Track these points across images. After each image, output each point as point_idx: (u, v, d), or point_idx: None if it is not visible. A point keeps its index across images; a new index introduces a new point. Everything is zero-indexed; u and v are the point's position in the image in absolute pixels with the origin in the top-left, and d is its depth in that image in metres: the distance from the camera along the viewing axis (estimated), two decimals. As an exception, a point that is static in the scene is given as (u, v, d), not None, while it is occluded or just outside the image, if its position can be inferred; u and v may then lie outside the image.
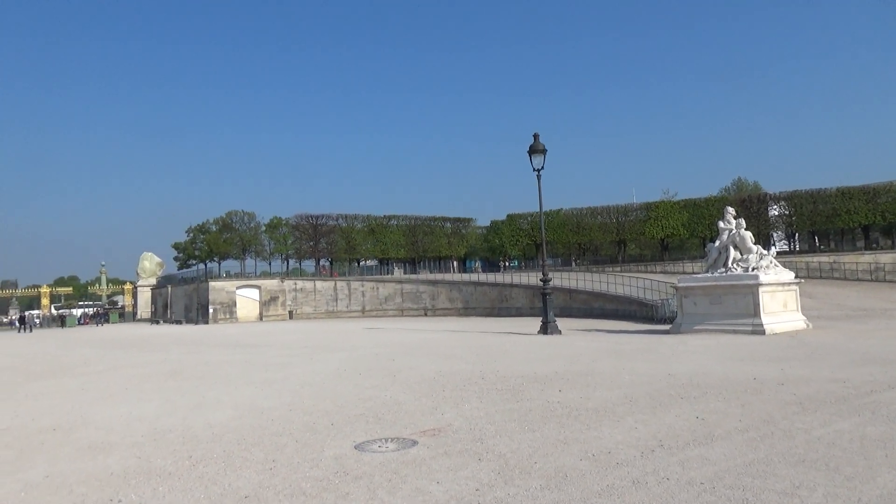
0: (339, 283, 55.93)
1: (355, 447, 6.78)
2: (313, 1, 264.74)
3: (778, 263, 20.77)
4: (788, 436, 6.49)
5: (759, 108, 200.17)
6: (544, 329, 22.17)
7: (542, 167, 22.90)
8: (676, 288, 21.94)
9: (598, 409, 8.23)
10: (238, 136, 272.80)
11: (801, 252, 55.50)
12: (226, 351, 21.84)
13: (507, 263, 67.35)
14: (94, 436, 8.15)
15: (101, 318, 73.55)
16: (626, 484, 5.17)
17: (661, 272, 48.46)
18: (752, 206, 55.08)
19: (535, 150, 22.82)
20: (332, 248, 62.33)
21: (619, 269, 51.58)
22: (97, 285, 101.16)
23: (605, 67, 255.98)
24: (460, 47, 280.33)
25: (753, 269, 19.66)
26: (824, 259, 48.60)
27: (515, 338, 21.43)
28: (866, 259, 47.57)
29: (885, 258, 46.83)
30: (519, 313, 42.01)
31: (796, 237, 59.73)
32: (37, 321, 71.38)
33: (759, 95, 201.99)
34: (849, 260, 47.62)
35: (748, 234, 20.83)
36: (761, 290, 18.84)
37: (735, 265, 20.25)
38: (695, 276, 22.83)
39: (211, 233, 63.26)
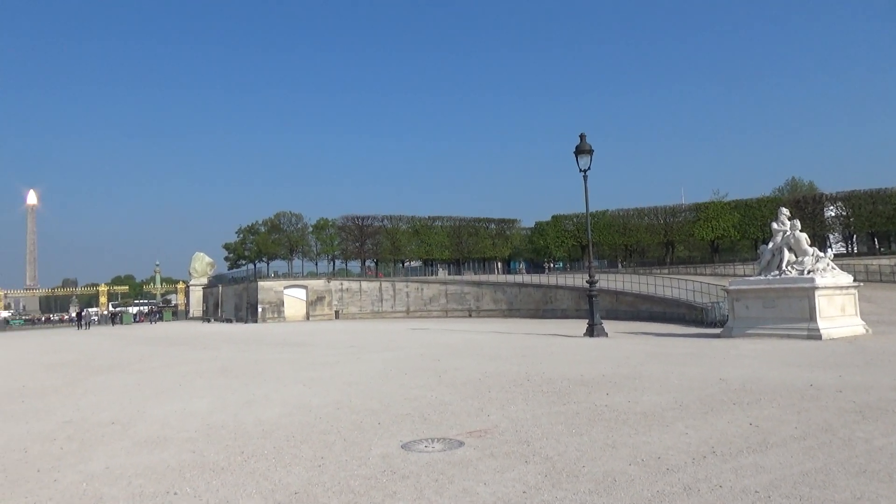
0: (384, 284, 56.36)
1: (402, 447, 6.82)
2: (369, 3, 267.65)
3: (835, 266, 20.04)
4: (848, 445, 6.26)
5: (812, 106, 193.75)
6: (590, 331, 21.91)
7: (589, 168, 22.64)
8: (727, 291, 21.39)
9: (647, 413, 8.09)
10: (287, 139, 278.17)
11: (859, 254, 53.34)
12: (274, 349, 22.28)
13: (551, 265, 66.79)
14: (151, 430, 8.42)
15: (154, 316, 75.91)
16: (677, 490, 5.07)
17: (710, 274, 47.28)
18: (807, 207, 53.29)
19: (582, 150, 22.57)
20: (378, 248, 62.89)
21: (666, 271, 50.57)
22: (152, 284, 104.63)
23: (653, 67, 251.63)
24: (507, 48, 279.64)
25: (809, 272, 19.02)
26: (885, 262, 46.57)
27: (561, 340, 21.24)
28: (930, 262, 45.44)
29: (951, 261, 44.65)
30: (564, 315, 41.59)
31: (854, 239, 57.48)
32: (94, 318, 74.12)
33: (813, 94, 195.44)
34: (911, 263, 45.56)
35: (803, 236, 20.17)
36: (817, 293, 18.22)
37: (790, 268, 19.62)
38: (747, 278, 22.21)
39: (260, 233, 64.60)
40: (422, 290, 54.72)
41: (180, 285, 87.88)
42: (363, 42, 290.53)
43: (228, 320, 62.14)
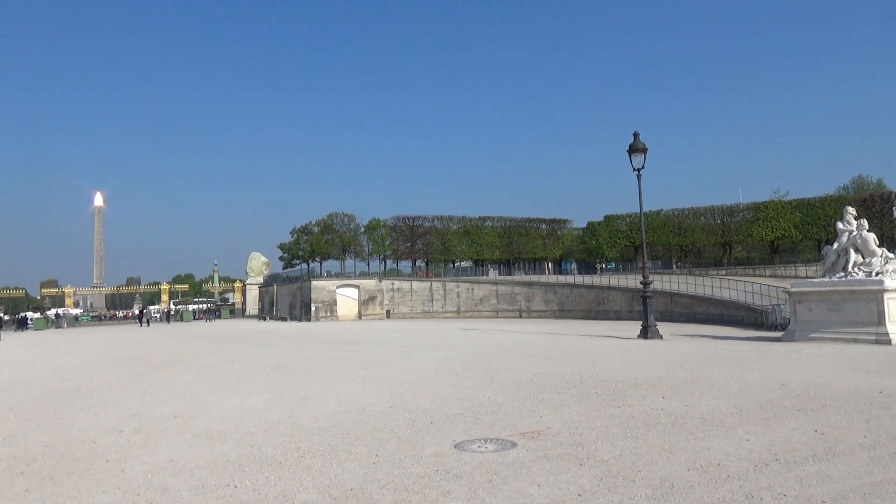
0: (435, 284, 56.60)
1: (455, 446, 6.84)
2: (415, 4, 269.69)
3: (906, 268, 19.10)
4: (922, 455, 5.96)
5: (879, 101, 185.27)
6: (644, 333, 21.51)
7: (643, 166, 22.22)
8: (789, 293, 20.66)
9: (706, 417, 7.89)
10: (341, 140, 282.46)
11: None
12: (328, 347, 22.65)
13: (603, 266, 65.85)
14: (211, 424, 8.68)
15: (212, 313, 78.24)
16: (738, 498, 4.93)
17: (770, 276, 45.81)
18: (875, 206, 50.94)
19: (636, 148, 22.18)
20: (428, 249, 63.22)
21: (723, 272, 49.24)
22: (210, 283, 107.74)
23: (709, 65, 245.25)
24: (558, 47, 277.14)
25: (877, 274, 18.19)
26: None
27: (614, 341, 20.91)
28: None
29: None
30: (617, 316, 40.97)
31: (926, 239, 54.72)
32: (156, 316, 76.93)
33: (880, 88, 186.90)
34: None
35: (871, 236, 19.30)
36: (886, 296, 17.41)
37: (856, 269, 18.81)
38: (810, 280, 21.40)
39: (313, 234, 65.81)
40: (472, 290, 54.73)
41: (237, 284, 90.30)
42: (415, 42, 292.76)
43: (283, 319, 63.48)
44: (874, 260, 18.68)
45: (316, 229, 66.23)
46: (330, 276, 60.29)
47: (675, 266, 58.56)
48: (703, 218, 58.68)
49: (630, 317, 37.73)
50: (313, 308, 55.55)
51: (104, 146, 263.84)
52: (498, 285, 53.74)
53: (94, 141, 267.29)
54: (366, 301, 56.71)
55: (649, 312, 21.69)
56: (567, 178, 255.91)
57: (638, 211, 23.84)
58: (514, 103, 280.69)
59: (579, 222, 70.89)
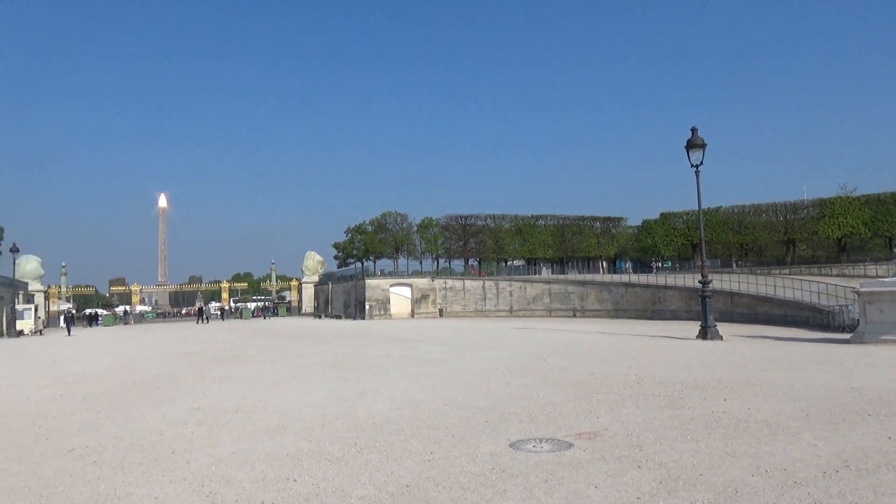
0: (488, 283, 56.53)
1: (510, 445, 6.81)
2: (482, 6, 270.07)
3: None
4: None
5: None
6: (703, 333, 20.94)
7: (701, 163, 21.64)
8: (858, 293, 19.76)
9: (770, 421, 7.63)
10: (394, 140, 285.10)
11: None
12: (382, 345, 22.90)
13: (660, 264, 64.48)
14: (271, 419, 8.89)
15: (269, 311, 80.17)
16: (806, 505, 4.75)
17: (837, 275, 43.98)
18: (952, 202, 48.33)
19: (694, 144, 21.61)
20: (481, 247, 63.17)
21: (787, 271, 47.59)
22: (268, 281, 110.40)
23: (770, 57, 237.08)
24: (613, 42, 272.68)
25: (956, 273, 17.24)
26: None
27: (672, 342, 20.45)
28: None
29: None
30: (673, 316, 40.05)
31: None
32: (215, 314, 79.38)
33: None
34: None
35: (949, 234, 18.30)
36: (966, 297, 16.48)
37: (932, 268, 17.87)
38: (881, 279, 20.42)
39: (367, 233, 66.69)
40: (525, 289, 54.43)
41: (293, 282, 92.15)
42: (473, 42, 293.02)
43: (338, 316, 64.54)
44: (952, 258, 17.71)
45: (369, 228, 67.10)
46: (383, 274, 60.96)
47: (734, 265, 56.88)
48: (764, 215, 56.82)
49: (687, 317, 36.83)
50: (367, 306, 56.28)
51: (168, 150, 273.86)
52: (551, 284, 53.28)
53: (159, 145, 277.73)
54: (418, 299, 57.10)
55: (709, 312, 21.11)
56: (622, 176, 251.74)
57: (696, 208, 23.23)
58: (567, 99, 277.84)
59: (634, 220, 69.78)
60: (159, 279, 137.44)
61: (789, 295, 32.34)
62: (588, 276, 54.74)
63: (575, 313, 49.21)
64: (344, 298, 65.93)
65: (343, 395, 10.84)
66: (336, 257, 77.25)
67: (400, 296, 57.39)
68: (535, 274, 61.31)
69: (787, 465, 5.76)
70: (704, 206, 25.24)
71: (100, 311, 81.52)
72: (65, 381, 14.83)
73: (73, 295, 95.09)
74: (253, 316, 77.10)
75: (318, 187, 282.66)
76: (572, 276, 56.54)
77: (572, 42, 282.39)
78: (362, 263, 69.19)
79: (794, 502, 4.81)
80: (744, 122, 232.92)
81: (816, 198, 56.70)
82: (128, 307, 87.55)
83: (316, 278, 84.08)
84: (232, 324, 58.00)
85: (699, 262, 26.33)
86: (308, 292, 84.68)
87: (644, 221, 65.94)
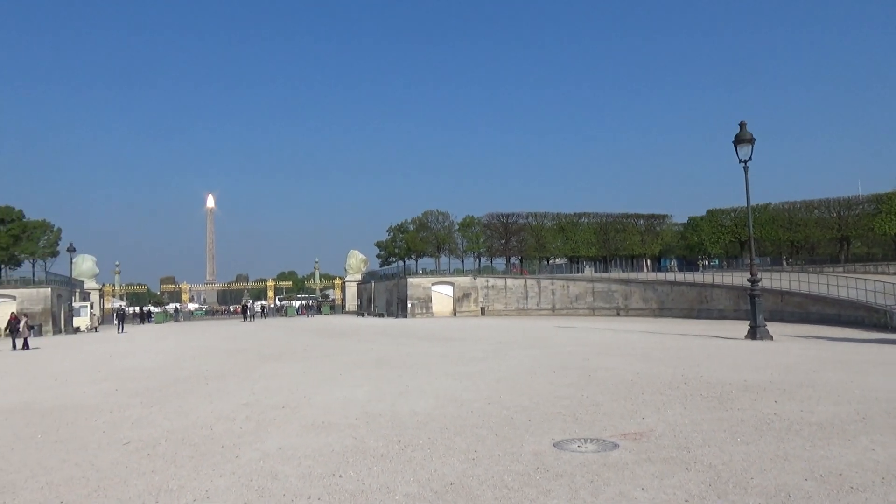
0: (530, 282, 56.22)
1: (554, 445, 6.77)
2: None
3: None
4: None
5: None
6: (752, 333, 20.40)
7: (750, 158, 21.07)
8: (918, 292, 19.00)
9: (824, 424, 7.39)
10: (435, 138, 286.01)
11: None
12: (424, 343, 23.00)
13: (706, 262, 63.08)
14: (316, 415, 9.03)
15: (312, 309, 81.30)
16: (863, 511, 4.59)
17: (894, 274, 42.31)
18: None
19: (742, 139, 21.06)
20: (523, 246, 62.84)
21: (840, 269, 45.99)
22: (312, 280, 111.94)
23: (824, 52, 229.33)
24: (658, 36, 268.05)
25: None
26: None
27: (719, 342, 19.99)
28: None
29: None
30: (721, 316, 39.15)
31: None
32: (258, 311, 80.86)
33: None
34: None
35: None
36: None
37: None
38: (943, 278, 19.59)
39: (409, 232, 67.01)
40: (567, 287, 53.96)
41: (337, 281, 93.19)
42: (514, 34, 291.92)
43: (380, 315, 65.05)
44: None
45: (411, 227, 67.40)
46: (425, 273, 61.18)
47: (785, 263, 55.31)
48: (816, 211, 55.05)
49: (735, 316, 35.96)
50: (409, 304, 56.57)
51: (216, 150, 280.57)
52: (594, 283, 52.69)
53: (208, 145, 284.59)
54: (460, 298, 57.14)
55: (758, 311, 20.56)
56: (666, 172, 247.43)
57: (744, 205, 22.63)
58: (611, 95, 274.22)
59: (679, 218, 68.33)
60: (207, 277, 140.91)
61: (843, 294, 31.30)
62: (632, 275, 53.97)
63: (618, 312, 48.56)
64: (386, 297, 66.41)
65: (387, 393, 10.93)
66: (378, 256, 77.86)
67: (442, 294, 57.52)
68: (578, 272, 60.70)
69: (843, 470, 5.58)
70: (753, 202, 24.59)
71: (152, 308, 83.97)
72: (119, 377, 15.33)
73: (126, 293, 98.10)
74: (297, 314, 78.29)
75: (360, 186, 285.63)
76: (616, 274, 55.84)
77: (615, 32, 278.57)
78: (404, 262, 69.58)
79: (851, 508, 4.66)
80: (794, 116, 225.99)
81: (872, 193, 54.62)
82: (178, 305, 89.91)
83: (359, 277, 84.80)
84: (276, 321, 59.04)
85: (748, 260, 25.67)
86: (351, 291, 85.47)
87: (690, 219, 64.58)
